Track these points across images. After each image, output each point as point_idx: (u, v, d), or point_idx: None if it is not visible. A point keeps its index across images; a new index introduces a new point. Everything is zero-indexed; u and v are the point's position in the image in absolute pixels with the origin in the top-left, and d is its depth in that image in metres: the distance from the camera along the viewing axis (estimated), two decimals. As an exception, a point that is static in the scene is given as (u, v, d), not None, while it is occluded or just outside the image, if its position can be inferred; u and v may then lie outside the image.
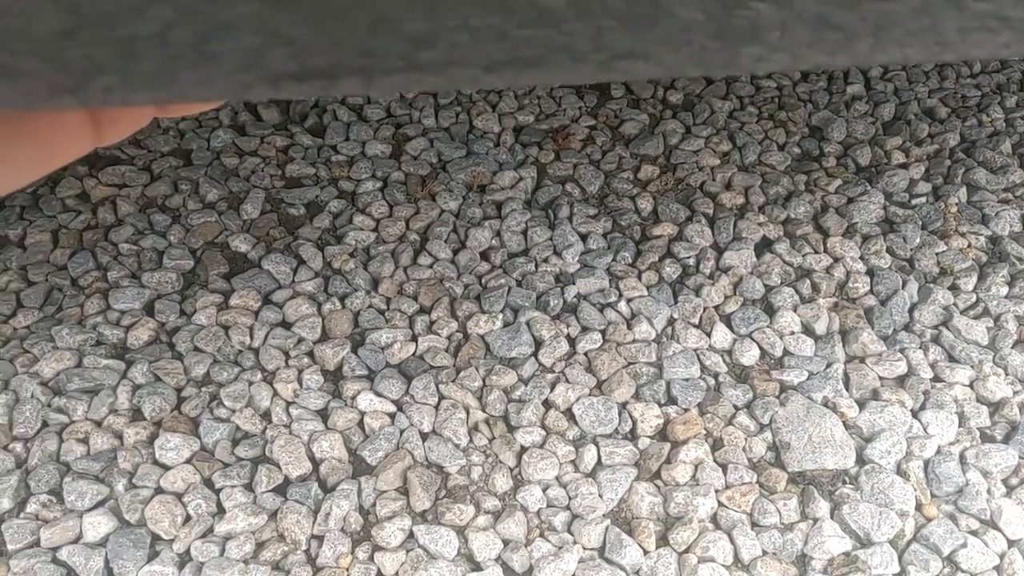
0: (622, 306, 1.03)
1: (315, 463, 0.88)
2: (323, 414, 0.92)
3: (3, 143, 0.31)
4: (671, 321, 1.02)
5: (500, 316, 1.00)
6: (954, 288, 1.07)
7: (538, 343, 0.98)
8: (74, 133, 0.32)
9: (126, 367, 0.94)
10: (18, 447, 0.87)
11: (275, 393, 0.93)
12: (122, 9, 0.30)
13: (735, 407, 0.94)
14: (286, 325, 0.99)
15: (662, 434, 0.92)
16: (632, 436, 0.92)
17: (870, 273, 1.08)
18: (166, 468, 0.86)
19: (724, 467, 0.89)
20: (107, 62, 0.31)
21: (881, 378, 0.97)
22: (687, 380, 0.96)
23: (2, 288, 1.01)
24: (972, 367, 0.98)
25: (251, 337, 0.98)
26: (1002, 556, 0.83)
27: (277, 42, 0.32)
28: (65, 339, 0.96)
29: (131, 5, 0.30)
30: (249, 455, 0.88)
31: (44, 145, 0.32)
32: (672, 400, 0.95)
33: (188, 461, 0.87)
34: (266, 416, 0.91)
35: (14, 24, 0.30)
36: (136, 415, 0.91)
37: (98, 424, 0.89)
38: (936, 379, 0.98)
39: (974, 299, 1.05)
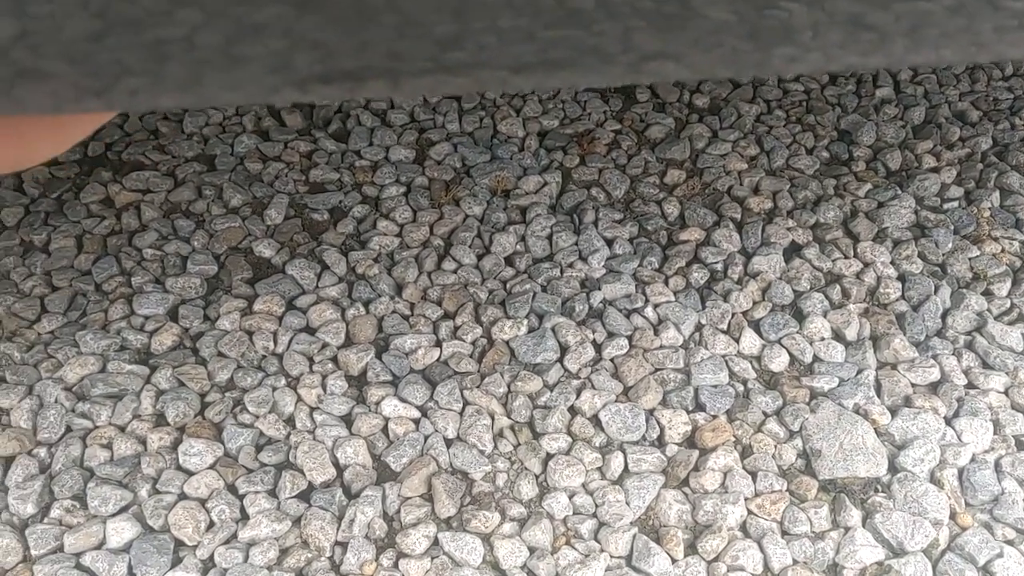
0: (649, 312, 1.01)
1: (339, 469, 0.87)
2: (347, 420, 0.91)
3: None
4: (699, 327, 1.01)
5: (525, 322, 0.99)
6: (988, 293, 1.05)
7: (564, 349, 0.97)
8: (39, 137, 0.32)
9: (150, 372, 0.94)
10: (42, 452, 0.87)
11: (299, 399, 0.92)
12: (150, 14, 0.30)
13: (764, 414, 0.93)
14: (310, 330, 0.99)
15: (690, 441, 0.90)
16: (660, 443, 0.90)
17: (901, 278, 1.06)
18: (190, 474, 0.85)
19: (754, 474, 0.87)
20: (135, 64, 0.30)
21: (913, 385, 0.95)
22: (715, 387, 0.95)
23: (27, 293, 1.02)
24: (1007, 373, 0.96)
25: (275, 342, 0.97)
26: (1044, 568, 0.81)
27: (304, 45, 0.31)
28: (89, 344, 0.96)
29: (159, 9, 0.29)
30: (273, 461, 0.87)
31: (22, 139, 0.31)
32: (700, 407, 0.93)
33: (212, 467, 0.86)
34: (290, 422, 0.91)
35: (43, 27, 0.29)
36: (160, 420, 0.90)
37: (122, 429, 0.89)
38: (970, 386, 0.95)
39: (1008, 304, 1.03)
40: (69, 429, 0.89)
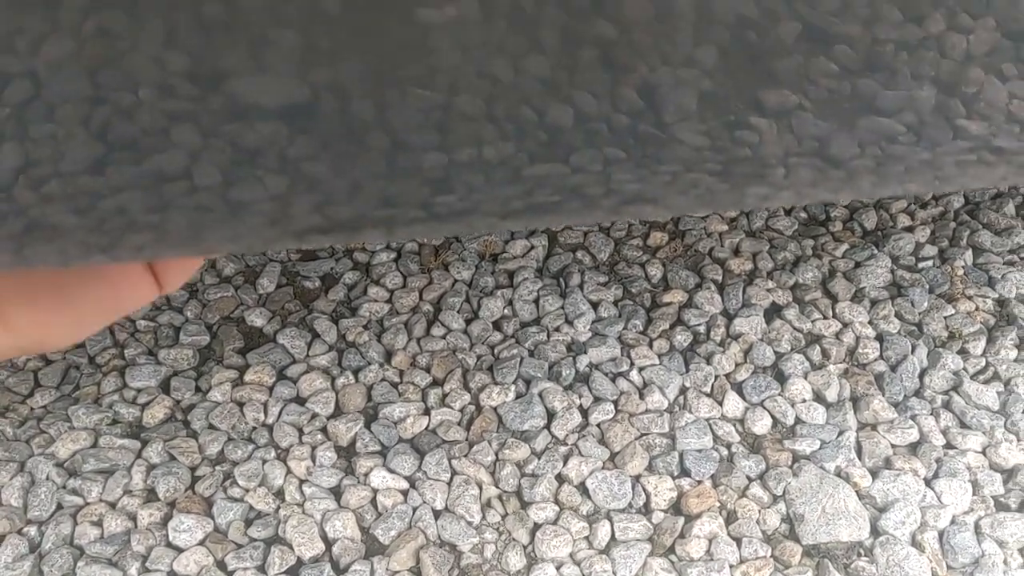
0: (634, 375, 1.03)
1: (328, 543, 0.88)
2: (336, 492, 0.92)
3: (70, 289, 0.31)
4: (683, 390, 1.02)
5: (512, 387, 1.01)
6: (963, 352, 1.07)
7: (551, 415, 0.99)
8: (137, 282, 0.33)
9: (141, 446, 0.95)
10: (32, 531, 0.88)
11: (288, 471, 0.93)
12: (147, 133, 0.32)
13: (748, 478, 0.94)
14: (300, 400, 1.00)
15: (676, 507, 0.92)
16: (646, 510, 0.92)
17: (879, 338, 1.08)
18: (179, 550, 0.86)
19: (738, 540, 0.89)
20: (138, 215, 0.32)
21: (893, 446, 0.97)
22: (700, 451, 0.96)
23: (20, 367, 1.03)
24: (984, 433, 0.98)
25: (265, 414, 0.98)
26: (1023, 633, 0.82)
27: (300, 185, 0.33)
28: (81, 419, 0.97)
29: (156, 127, 0.31)
30: (262, 536, 0.88)
31: (109, 292, 0.33)
32: (685, 472, 0.95)
33: (201, 543, 0.87)
34: (279, 495, 0.92)
35: (45, 154, 0.31)
36: (150, 495, 0.91)
37: (112, 506, 0.90)
38: (948, 446, 0.97)
39: (983, 363, 1.06)
40: (60, 506, 0.90)
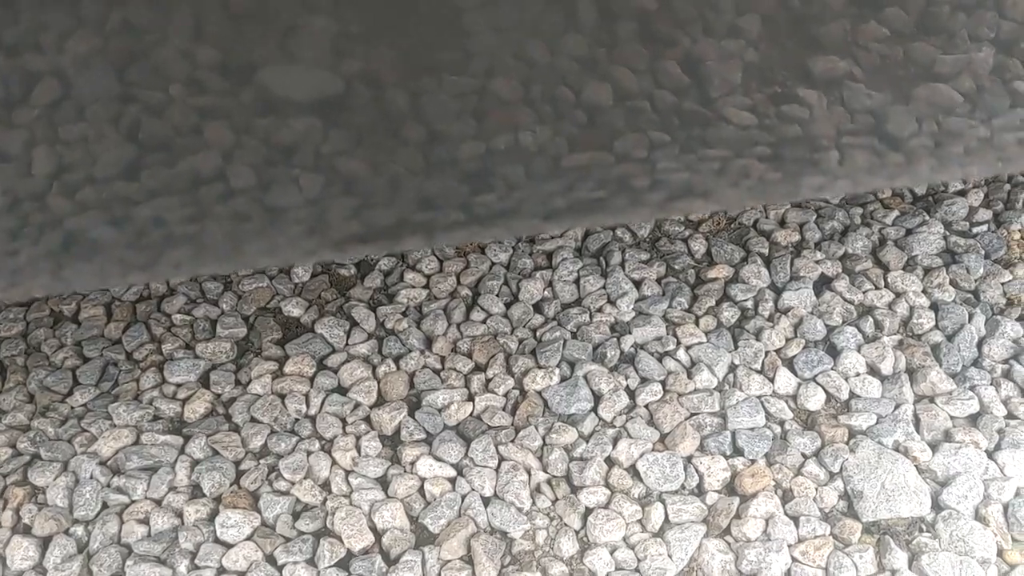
0: (681, 354, 1.00)
1: (377, 534, 0.86)
2: (383, 482, 0.90)
3: None
4: (732, 368, 0.99)
5: (557, 371, 0.98)
6: (1023, 319, 1.03)
7: (597, 397, 0.96)
8: None
9: (184, 442, 0.94)
10: (79, 530, 0.87)
11: (334, 462, 0.92)
12: (179, 131, 0.29)
13: (803, 455, 0.91)
14: (342, 390, 0.99)
15: (730, 488, 0.89)
16: (699, 491, 0.89)
17: (934, 307, 1.04)
18: (228, 546, 0.85)
19: (796, 520, 0.86)
20: (176, 227, 0.30)
21: (952, 418, 0.94)
22: (752, 430, 0.93)
23: (58, 366, 1.02)
24: (1050, 403, 0.94)
25: (307, 405, 0.97)
26: (1103, 609, 0.79)
27: (337, 184, 0.30)
28: (122, 416, 0.96)
29: (188, 125, 0.29)
30: (311, 528, 0.86)
31: None
32: (738, 451, 0.92)
33: (249, 537, 0.86)
34: (326, 487, 0.90)
35: (78, 157, 0.29)
36: (196, 491, 0.90)
37: (158, 503, 0.89)
38: (1010, 416, 0.94)
39: (1047, 329, 1.01)
40: (105, 505, 0.89)
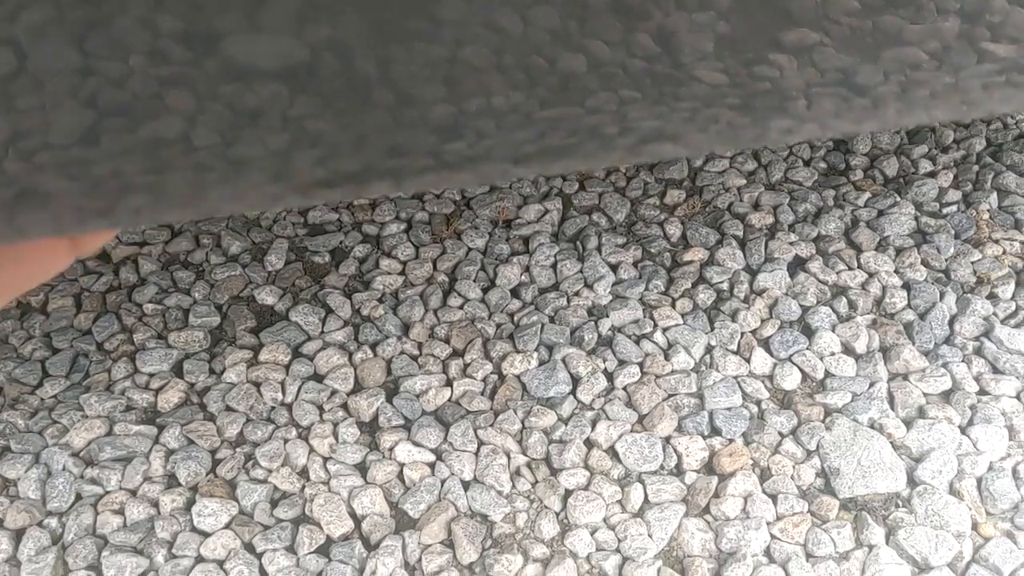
0: (658, 336, 1.01)
1: (357, 520, 0.86)
2: (361, 468, 0.90)
3: None
4: (709, 349, 1.00)
5: (535, 355, 0.98)
6: (992, 297, 1.05)
7: (575, 380, 0.96)
8: (51, 250, 0.31)
9: (158, 432, 0.93)
10: (53, 522, 0.86)
11: (311, 449, 0.91)
12: (138, 98, 0.29)
13: (780, 434, 0.92)
14: (318, 378, 0.98)
15: (708, 467, 0.90)
16: (678, 471, 0.89)
17: (906, 287, 1.06)
18: (205, 535, 0.84)
19: (774, 497, 0.87)
20: (135, 176, 0.29)
21: (926, 395, 0.95)
22: (730, 409, 0.94)
23: (27, 357, 1.00)
24: (1017, 378, 0.96)
25: (283, 392, 0.96)
26: (1073, 577, 0.80)
27: (303, 140, 0.30)
28: (94, 407, 0.94)
29: (149, 92, 0.28)
30: (289, 516, 0.86)
31: (23, 264, 0.31)
32: (716, 431, 0.92)
33: (227, 526, 0.85)
34: (303, 474, 0.89)
35: (34, 124, 0.28)
36: (171, 481, 0.89)
37: (133, 493, 0.88)
38: (982, 392, 0.95)
39: (1014, 307, 1.03)
40: (79, 497, 0.87)
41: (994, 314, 1.03)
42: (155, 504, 0.87)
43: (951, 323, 1.02)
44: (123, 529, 0.85)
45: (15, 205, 0.29)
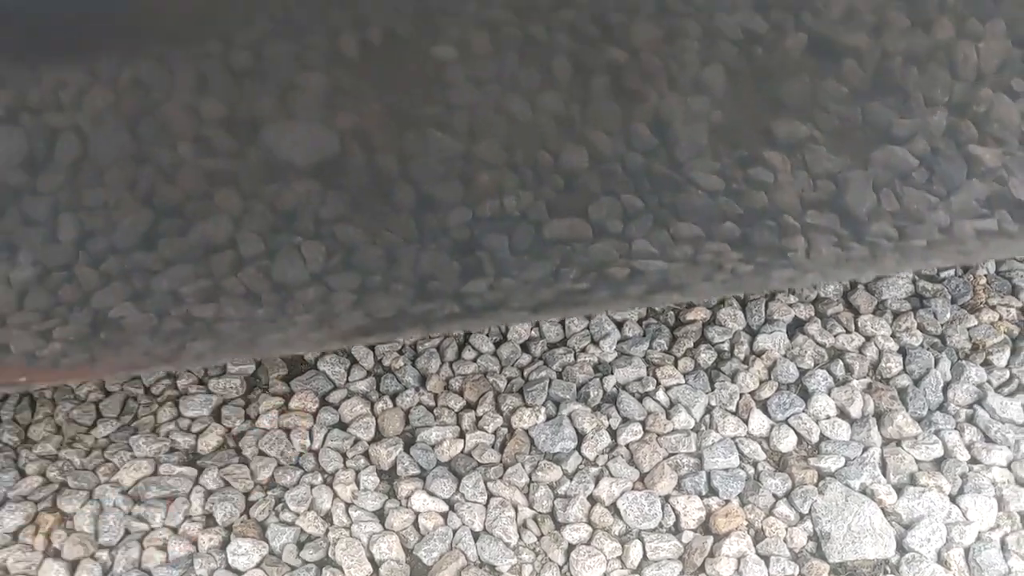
0: (660, 395, 1.07)
1: (375, 564, 0.94)
2: (380, 514, 0.98)
3: None
4: (709, 409, 1.06)
5: (543, 409, 1.05)
6: (987, 364, 1.09)
7: (581, 436, 1.03)
8: None
9: (198, 473, 1.01)
10: (104, 555, 0.95)
11: (335, 495, 0.99)
12: (191, 196, 0.34)
13: (775, 496, 0.98)
14: (342, 426, 1.06)
15: (705, 527, 0.96)
16: (676, 530, 0.96)
17: (902, 351, 1.10)
18: (239, 573, 0.92)
19: (766, 559, 0.93)
20: (192, 303, 0.35)
21: (918, 461, 1.00)
22: (727, 470, 1.00)
23: (83, 399, 1.10)
24: (1009, 447, 1.00)
25: (311, 439, 1.04)
26: (1041, 648, 0.85)
27: (337, 257, 0.35)
28: (142, 448, 1.03)
29: (199, 190, 0.33)
30: (314, 558, 0.94)
31: None
32: (713, 491, 0.98)
33: (258, 565, 0.93)
34: (328, 518, 0.97)
35: (100, 224, 0.33)
36: (209, 521, 0.97)
37: (175, 531, 0.96)
38: (973, 461, 1.00)
39: (1007, 375, 1.07)
40: (128, 532, 0.97)
41: (988, 381, 1.07)
42: (194, 542, 0.96)
43: (945, 390, 1.07)
44: (166, 565, 0.94)
45: (92, 338, 0.35)
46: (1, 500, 1.00)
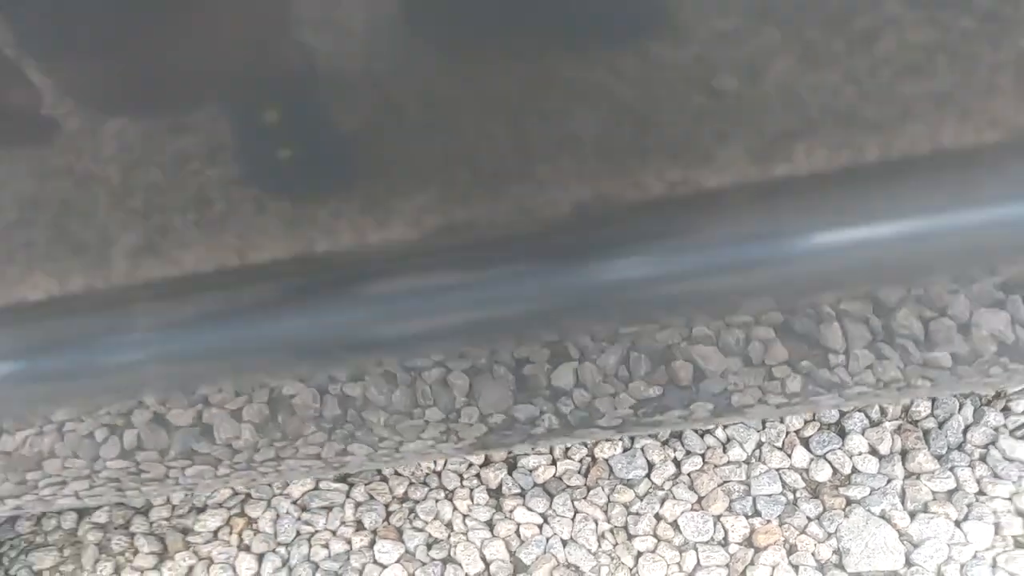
0: (719, 432, 1.30)
1: (486, 562, 1.20)
2: (489, 524, 1.25)
3: None
4: (759, 444, 1.28)
5: (620, 443, 1.30)
6: (1006, 409, 1.27)
7: (651, 465, 1.27)
8: None
9: (348, 488, 1.31)
10: (282, 550, 1.25)
11: (454, 508, 1.27)
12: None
13: (808, 518, 1.19)
14: (459, 453, 1.34)
15: (748, 541, 1.19)
16: (724, 543, 1.19)
17: (932, 398, 1.30)
18: (384, 567, 1.21)
19: (796, 568, 1.15)
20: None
21: (933, 492, 1.20)
22: (770, 496, 1.22)
23: (261, 427, 1.41)
24: (1013, 483, 1.18)
25: (436, 462, 1.32)
26: (1025, 651, 1.05)
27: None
28: (307, 467, 1.34)
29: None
30: (439, 557, 1.22)
31: None
32: (757, 513, 1.21)
33: (397, 561, 1.22)
34: (449, 525, 1.25)
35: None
36: (359, 526, 1.27)
37: (334, 533, 1.26)
38: (980, 493, 1.19)
39: (1022, 420, 1.25)
40: (298, 533, 1.27)
41: (1004, 425, 1.25)
42: (349, 542, 1.25)
43: (965, 431, 1.26)
44: (329, 559, 1.23)
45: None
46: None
